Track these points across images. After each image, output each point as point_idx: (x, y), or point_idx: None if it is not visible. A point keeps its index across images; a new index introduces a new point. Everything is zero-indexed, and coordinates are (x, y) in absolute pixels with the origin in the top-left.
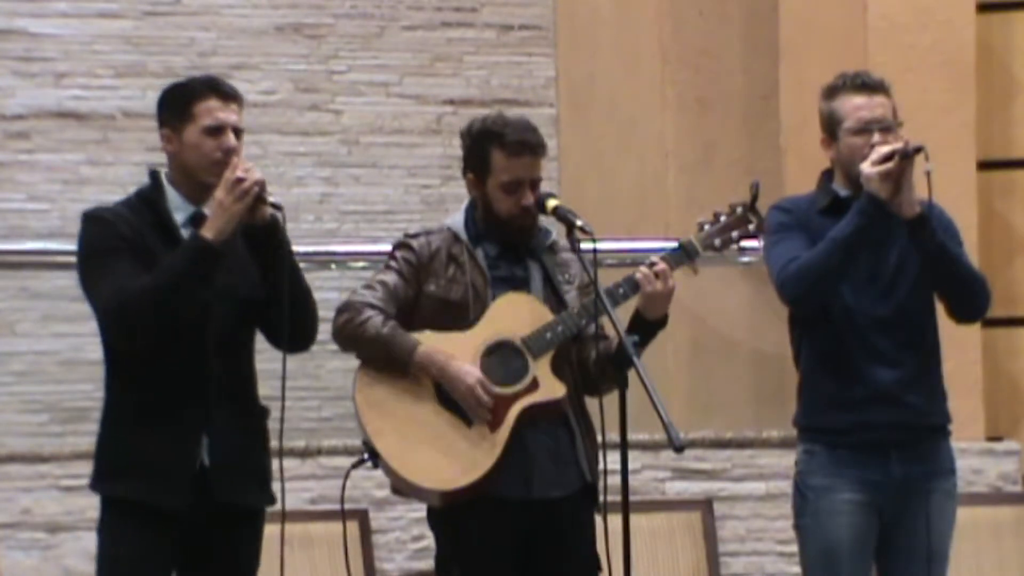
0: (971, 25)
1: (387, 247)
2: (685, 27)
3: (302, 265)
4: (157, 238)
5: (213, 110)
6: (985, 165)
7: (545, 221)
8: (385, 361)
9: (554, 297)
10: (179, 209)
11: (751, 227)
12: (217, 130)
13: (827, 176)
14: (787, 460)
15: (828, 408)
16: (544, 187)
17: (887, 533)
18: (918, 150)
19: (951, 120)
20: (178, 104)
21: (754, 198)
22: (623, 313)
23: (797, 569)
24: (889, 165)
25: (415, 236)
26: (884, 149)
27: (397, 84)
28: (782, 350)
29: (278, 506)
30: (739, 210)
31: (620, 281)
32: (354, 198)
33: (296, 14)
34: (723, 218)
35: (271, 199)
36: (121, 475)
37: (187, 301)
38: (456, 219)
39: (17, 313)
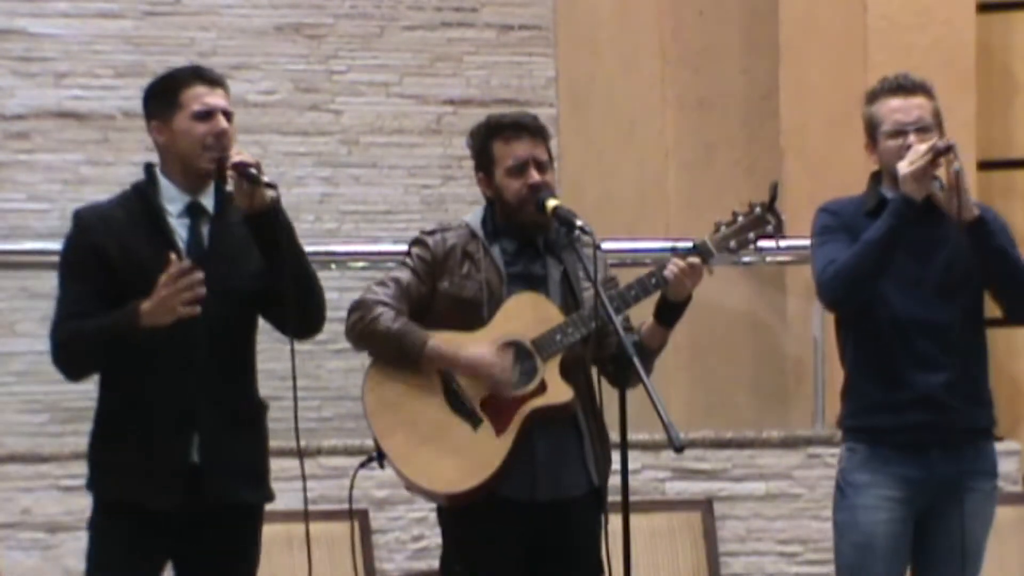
0: (971, 25)
1: (387, 247)
2: (685, 27)
3: None
4: (146, 232)
5: (201, 96)
6: (985, 165)
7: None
8: (397, 357)
9: (571, 296)
10: (174, 200)
11: (769, 227)
12: (207, 115)
13: (875, 178)
14: (787, 460)
15: (872, 411)
16: None
17: (924, 530)
18: (948, 148)
19: (951, 120)
20: (165, 95)
21: (773, 198)
22: (641, 310)
23: (797, 569)
24: (923, 163)
25: (431, 233)
26: (921, 147)
27: (397, 84)
28: (782, 350)
29: (292, 505)
30: (757, 210)
31: (653, 271)
32: (354, 198)
33: (296, 14)
34: (740, 218)
35: (265, 179)
36: (110, 476)
37: (110, 358)
38: (475, 215)
39: (17, 313)
